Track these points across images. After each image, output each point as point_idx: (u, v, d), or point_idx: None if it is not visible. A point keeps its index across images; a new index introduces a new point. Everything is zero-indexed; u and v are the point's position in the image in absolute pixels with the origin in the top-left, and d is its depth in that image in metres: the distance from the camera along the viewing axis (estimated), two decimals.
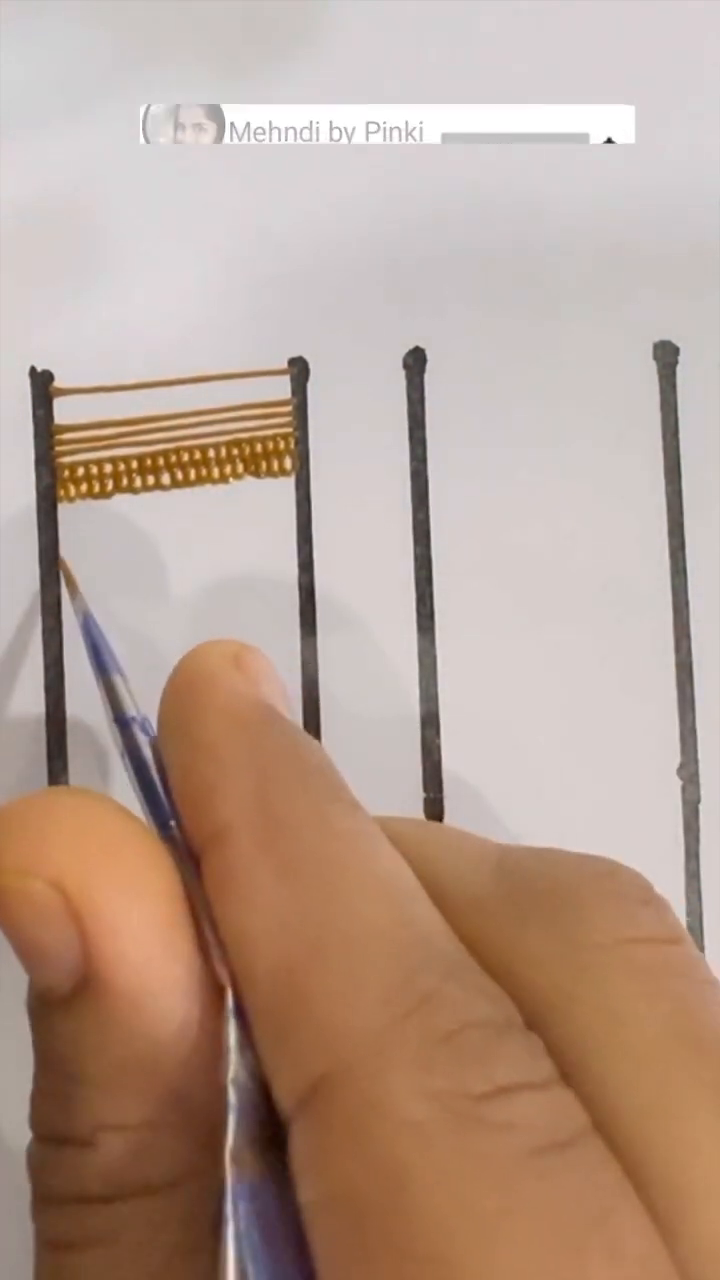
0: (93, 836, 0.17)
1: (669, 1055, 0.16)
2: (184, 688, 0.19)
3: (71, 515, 0.27)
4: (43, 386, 0.26)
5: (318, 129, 0.28)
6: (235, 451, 0.27)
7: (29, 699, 0.26)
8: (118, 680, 0.22)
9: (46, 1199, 0.18)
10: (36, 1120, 0.18)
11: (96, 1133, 0.17)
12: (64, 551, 0.26)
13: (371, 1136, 0.15)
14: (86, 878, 0.17)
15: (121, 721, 0.21)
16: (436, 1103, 0.15)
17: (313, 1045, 0.16)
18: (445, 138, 0.28)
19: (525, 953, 0.17)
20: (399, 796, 0.28)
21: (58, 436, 0.26)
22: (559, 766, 0.28)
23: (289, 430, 0.27)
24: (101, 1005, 0.17)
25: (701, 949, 0.28)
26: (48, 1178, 0.18)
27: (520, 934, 0.17)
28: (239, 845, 0.17)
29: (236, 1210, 0.15)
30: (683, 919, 0.28)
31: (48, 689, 0.26)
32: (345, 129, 0.28)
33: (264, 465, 0.27)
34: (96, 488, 0.26)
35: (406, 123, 0.28)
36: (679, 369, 0.29)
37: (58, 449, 0.26)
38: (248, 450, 0.27)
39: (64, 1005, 0.17)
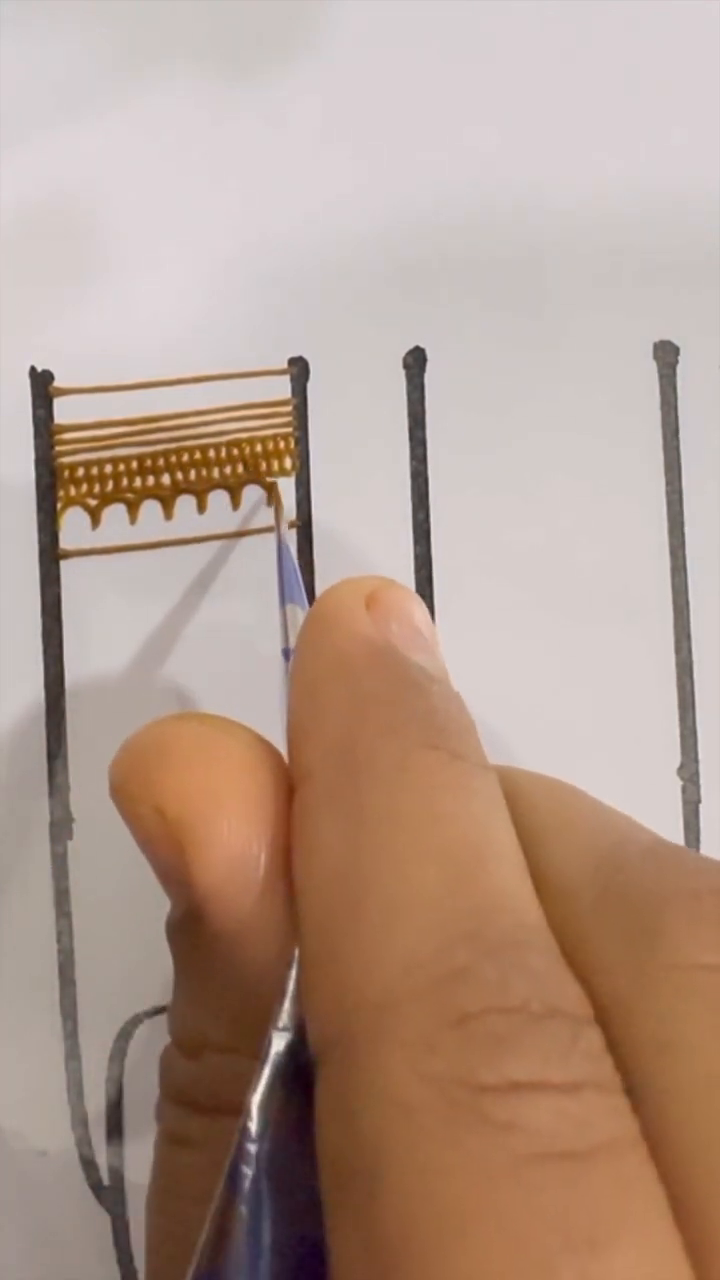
0: (203, 767, 0.17)
1: None
2: (307, 626, 0.19)
3: (72, 515, 0.27)
4: (43, 386, 0.26)
5: (318, 129, 0.28)
6: (236, 452, 0.27)
7: (29, 698, 0.26)
8: (289, 611, 0.22)
9: (165, 1094, 0.19)
10: (169, 1023, 0.19)
11: (201, 1049, 0.18)
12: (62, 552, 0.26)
13: (360, 1109, 0.14)
14: (188, 807, 0.17)
15: (285, 654, 0.21)
16: (432, 1087, 0.14)
17: (330, 1005, 0.15)
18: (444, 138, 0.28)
19: (597, 953, 0.16)
20: None
21: (58, 436, 0.26)
22: (559, 767, 0.28)
23: (289, 430, 0.27)
24: (203, 932, 0.17)
25: None
26: (167, 1076, 0.19)
27: (598, 933, 0.16)
28: (313, 790, 0.17)
29: (248, 1158, 0.15)
30: None
31: (48, 688, 0.26)
32: (345, 129, 0.28)
33: (264, 465, 0.27)
34: (96, 488, 0.26)
35: (407, 123, 0.28)
36: (679, 369, 0.29)
37: (58, 449, 0.26)
38: (248, 450, 0.27)
39: (180, 926, 0.18)
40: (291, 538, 0.27)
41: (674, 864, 0.17)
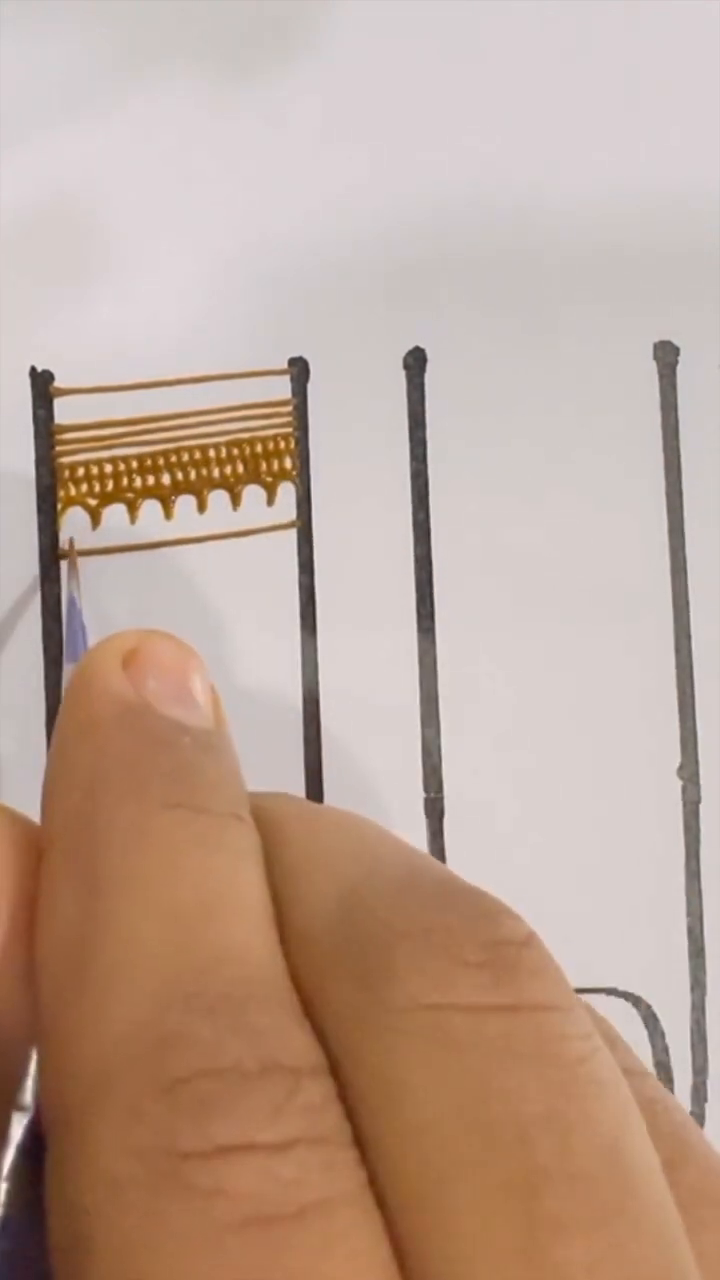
0: None
1: (447, 1144, 0.14)
2: (68, 687, 0.18)
3: (72, 516, 0.27)
4: (43, 386, 0.26)
5: (318, 129, 0.28)
6: (235, 452, 0.27)
7: (29, 699, 0.26)
8: (68, 672, 0.22)
9: None
10: None
11: None
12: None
13: (72, 1187, 0.14)
14: None
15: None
16: (139, 1160, 0.13)
17: (54, 1082, 0.15)
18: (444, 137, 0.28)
19: (331, 1001, 0.15)
20: (399, 797, 0.28)
21: (58, 436, 0.26)
22: (559, 767, 0.28)
23: (289, 430, 0.27)
24: None
25: (702, 950, 0.28)
26: None
27: (333, 980, 0.15)
28: (53, 859, 0.16)
29: None
30: (683, 919, 0.28)
31: (48, 688, 0.26)
32: (345, 129, 0.28)
33: (264, 465, 0.27)
34: (97, 488, 0.26)
35: (407, 123, 0.28)
36: (679, 369, 0.29)
37: (58, 449, 0.26)
38: (248, 450, 0.27)
39: None
40: (289, 540, 0.27)
41: (412, 898, 0.16)
